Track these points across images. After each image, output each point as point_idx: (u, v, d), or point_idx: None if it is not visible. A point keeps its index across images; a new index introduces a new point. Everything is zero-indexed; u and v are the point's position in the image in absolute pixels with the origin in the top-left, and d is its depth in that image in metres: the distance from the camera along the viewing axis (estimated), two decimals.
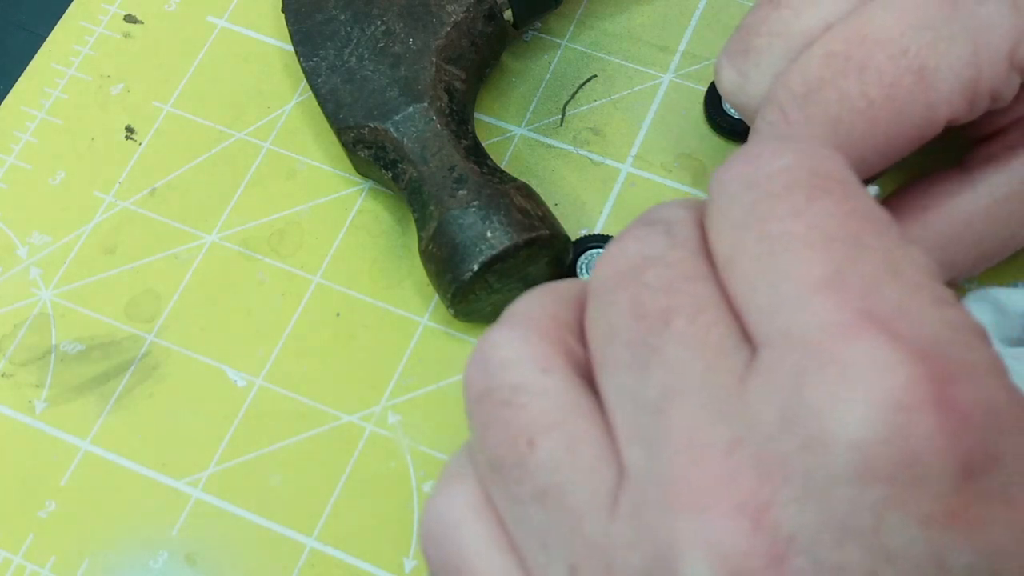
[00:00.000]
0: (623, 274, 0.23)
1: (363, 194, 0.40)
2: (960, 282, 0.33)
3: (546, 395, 0.23)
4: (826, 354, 0.20)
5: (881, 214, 0.22)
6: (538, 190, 0.37)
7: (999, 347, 0.34)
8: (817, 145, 0.24)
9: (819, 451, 0.19)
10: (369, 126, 0.37)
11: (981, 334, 0.21)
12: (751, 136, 0.31)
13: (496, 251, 0.34)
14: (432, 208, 0.35)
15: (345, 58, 0.38)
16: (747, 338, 0.21)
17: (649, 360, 0.22)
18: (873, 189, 0.30)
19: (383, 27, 0.38)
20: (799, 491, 0.19)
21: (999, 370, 0.20)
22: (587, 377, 0.24)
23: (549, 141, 0.40)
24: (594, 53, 0.42)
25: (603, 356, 0.23)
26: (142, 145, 0.41)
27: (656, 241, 0.23)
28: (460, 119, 0.37)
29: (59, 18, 0.43)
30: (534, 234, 0.35)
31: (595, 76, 0.41)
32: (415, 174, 0.36)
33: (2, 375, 0.38)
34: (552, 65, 0.42)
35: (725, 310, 0.22)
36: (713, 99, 0.40)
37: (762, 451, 0.20)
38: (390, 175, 0.37)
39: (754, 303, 0.21)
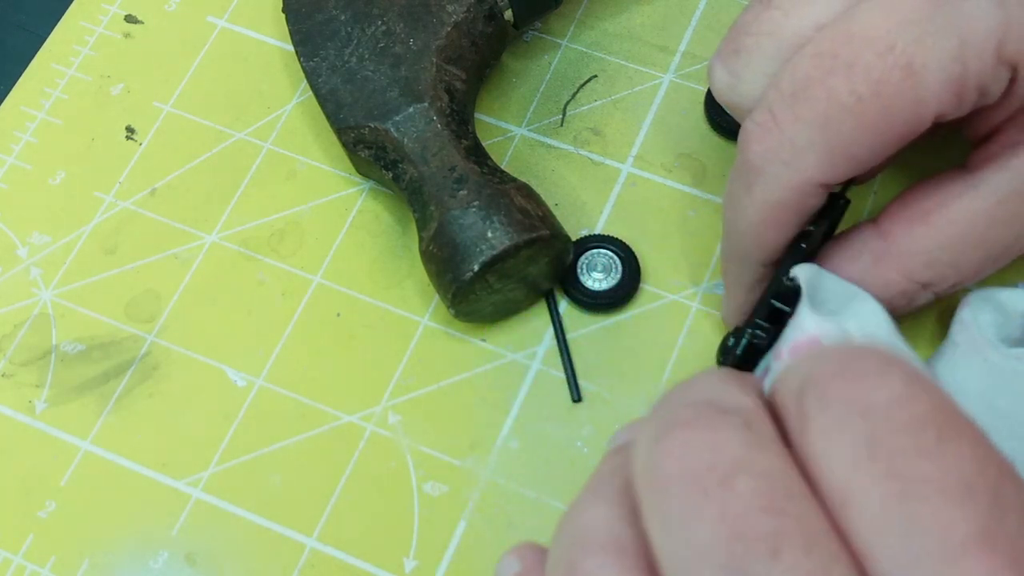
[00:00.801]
0: (703, 477, 0.20)
1: (363, 194, 0.40)
2: (968, 285, 0.34)
3: None
4: None
5: (1006, 459, 0.21)
6: (538, 190, 0.37)
7: (999, 347, 0.34)
8: (919, 374, 0.22)
9: None
10: (369, 126, 0.37)
11: None
12: (741, 137, 0.31)
13: (497, 251, 0.34)
14: (432, 208, 0.35)
15: (345, 58, 0.38)
16: None
17: None
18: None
19: (383, 27, 0.38)
20: None
21: None
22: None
23: (549, 141, 0.40)
24: (594, 53, 0.42)
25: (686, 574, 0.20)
26: (142, 145, 0.41)
27: (735, 438, 0.21)
28: (460, 119, 0.37)
29: (59, 18, 0.43)
30: (534, 234, 0.35)
31: (595, 76, 0.41)
32: (415, 174, 0.36)
33: (2, 375, 0.38)
34: (552, 65, 0.42)
35: (839, 545, 0.20)
36: (713, 99, 0.40)
37: None
38: (390, 175, 0.37)
39: (885, 550, 0.19)
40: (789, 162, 0.30)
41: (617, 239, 0.38)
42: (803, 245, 0.32)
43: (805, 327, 0.30)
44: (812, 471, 0.21)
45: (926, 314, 0.37)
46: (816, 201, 0.31)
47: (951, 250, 0.32)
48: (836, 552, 0.19)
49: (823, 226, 0.33)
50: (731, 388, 0.22)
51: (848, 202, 0.34)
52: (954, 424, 0.21)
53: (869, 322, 0.32)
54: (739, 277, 0.34)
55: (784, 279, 0.32)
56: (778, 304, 0.31)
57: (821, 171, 0.30)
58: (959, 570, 0.19)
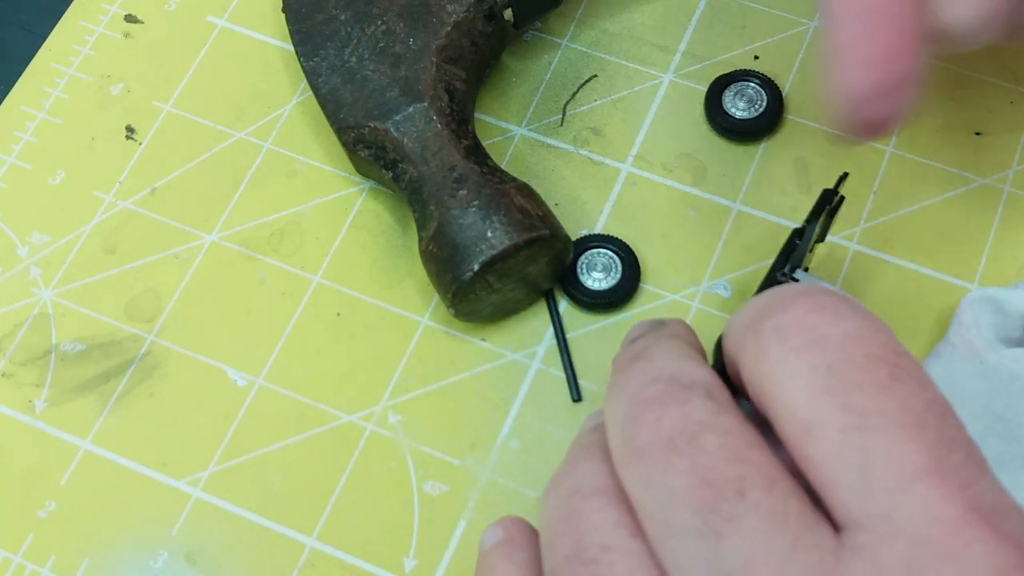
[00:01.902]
0: (674, 439, 0.22)
1: (363, 194, 0.40)
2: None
3: (629, 555, 0.23)
4: (942, 551, 0.20)
5: (949, 403, 0.22)
6: (538, 190, 0.38)
7: (999, 348, 0.34)
8: (871, 314, 0.23)
9: None
10: (369, 126, 0.37)
11: None
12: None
13: (496, 251, 0.34)
14: (432, 208, 0.35)
15: (345, 58, 0.38)
16: (823, 512, 0.21)
17: (723, 529, 0.21)
18: None
19: (383, 27, 0.38)
20: None
21: None
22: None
23: (549, 141, 0.40)
24: (594, 53, 0.42)
25: (664, 522, 0.22)
26: (142, 145, 0.41)
27: (700, 405, 0.23)
28: (460, 119, 0.37)
29: (59, 18, 0.43)
30: (534, 234, 0.35)
31: (595, 76, 0.41)
32: (415, 174, 0.36)
33: (2, 375, 0.38)
34: (552, 65, 0.42)
35: (795, 483, 0.22)
36: (713, 99, 0.40)
37: None
38: (390, 175, 0.37)
39: (843, 480, 0.21)
40: None
41: (617, 239, 0.38)
42: (797, 242, 0.32)
43: None
44: (772, 399, 0.23)
45: (925, 314, 0.37)
46: None
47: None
48: (793, 488, 0.21)
49: (818, 223, 0.33)
50: (689, 362, 0.24)
51: (843, 198, 0.34)
52: (904, 364, 0.22)
53: None
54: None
55: (779, 275, 0.32)
56: None
57: None
58: (913, 497, 0.20)
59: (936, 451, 0.21)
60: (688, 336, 0.27)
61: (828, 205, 0.33)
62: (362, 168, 0.39)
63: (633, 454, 0.23)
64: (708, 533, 0.21)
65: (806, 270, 0.35)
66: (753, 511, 0.21)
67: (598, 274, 0.37)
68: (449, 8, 0.38)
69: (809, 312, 0.23)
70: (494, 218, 0.34)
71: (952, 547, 0.20)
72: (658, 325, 0.27)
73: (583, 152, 0.40)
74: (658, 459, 0.22)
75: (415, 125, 0.36)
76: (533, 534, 0.27)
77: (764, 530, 0.21)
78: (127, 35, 0.43)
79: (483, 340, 0.37)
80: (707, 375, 0.24)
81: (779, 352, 0.23)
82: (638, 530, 0.23)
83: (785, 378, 0.22)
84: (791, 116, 0.40)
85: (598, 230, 0.39)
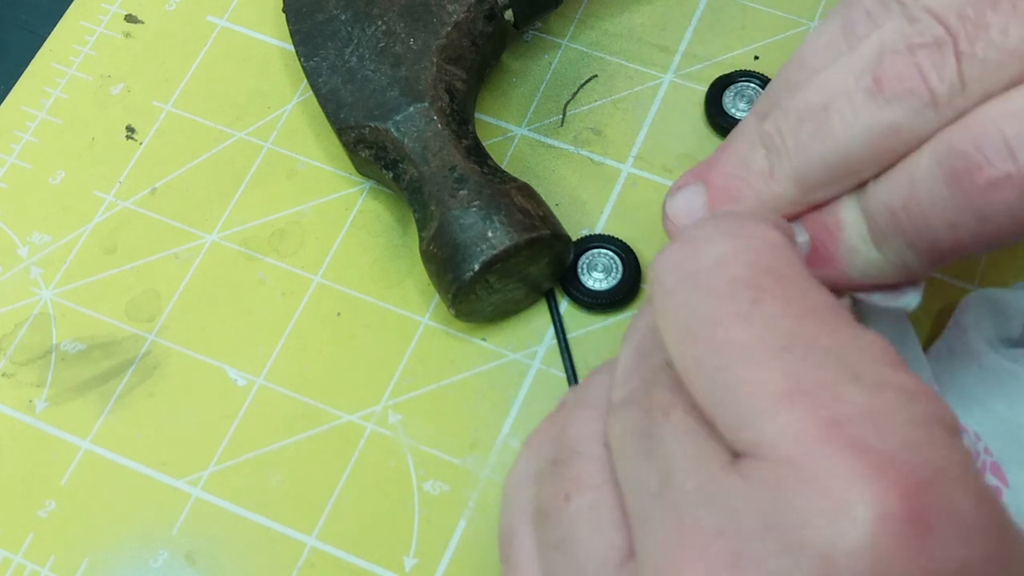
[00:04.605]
0: (632, 381, 0.26)
1: (364, 194, 0.40)
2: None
3: (594, 461, 0.26)
4: (802, 468, 0.21)
5: (829, 305, 0.23)
6: (539, 190, 0.38)
7: (999, 348, 0.34)
8: (754, 224, 0.24)
9: (794, 557, 0.20)
10: (370, 126, 0.37)
11: (945, 423, 0.22)
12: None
13: (497, 251, 0.34)
14: (433, 208, 0.35)
15: (346, 58, 0.38)
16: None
17: (653, 450, 0.24)
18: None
19: (384, 27, 0.38)
20: None
21: (963, 467, 0.21)
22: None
23: (550, 141, 0.40)
24: (595, 53, 0.42)
25: (619, 444, 0.25)
26: (142, 145, 0.41)
27: (663, 372, 0.25)
28: (461, 119, 0.37)
29: (59, 18, 0.43)
30: (535, 234, 0.35)
31: (596, 76, 0.41)
32: (416, 174, 0.36)
33: (3, 374, 0.38)
34: (553, 65, 0.42)
35: (687, 409, 0.24)
36: (713, 99, 0.40)
37: (743, 547, 0.21)
38: (391, 175, 0.37)
39: (719, 416, 0.22)
40: None
41: (618, 239, 0.38)
42: None
43: None
44: (662, 347, 0.24)
45: (924, 315, 0.37)
46: None
47: None
48: (690, 417, 0.23)
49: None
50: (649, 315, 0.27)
51: None
52: (768, 284, 0.23)
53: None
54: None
55: None
56: None
57: None
58: (775, 422, 0.21)
59: (798, 372, 0.21)
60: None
61: None
62: (362, 168, 0.39)
63: (614, 392, 0.26)
64: (643, 453, 0.24)
65: None
66: (672, 430, 0.23)
67: (599, 274, 0.37)
68: (449, 8, 0.38)
69: (681, 247, 0.24)
70: (495, 218, 0.34)
71: (811, 463, 0.20)
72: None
73: (583, 152, 0.40)
74: (621, 399, 0.26)
75: (415, 125, 0.36)
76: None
77: (675, 446, 0.23)
78: (127, 35, 0.43)
79: (484, 340, 0.37)
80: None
81: (658, 297, 0.24)
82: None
83: (661, 325, 0.24)
84: None
85: (599, 230, 0.39)
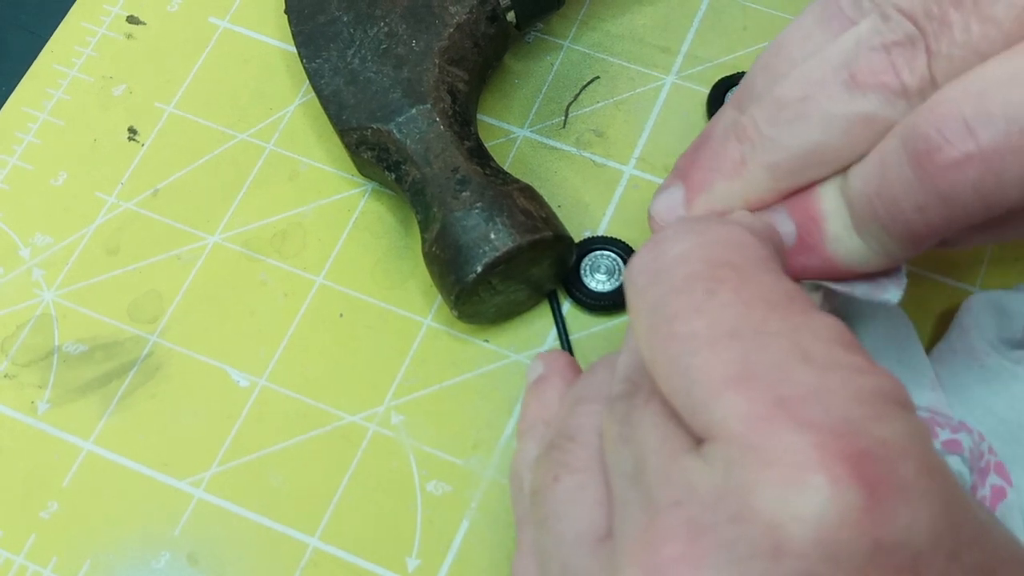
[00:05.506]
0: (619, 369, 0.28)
1: (366, 195, 0.40)
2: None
3: (586, 447, 0.28)
4: (749, 446, 0.22)
5: (784, 292, 0.24)
6: (541, 192, 0.38)
7: (1002, 349, 0.34)
8: (718, 222, 0.25)
9: (744, 525, 0.21)
10: (372, 128, 0.37)
11: (894, 398, 0.22)
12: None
13: (499, 253, 0.34)
14: (435, 210, 0.35)
15: (348, 60, 0.38)
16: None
17: (630, 436, 0.25)
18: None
19: (386, 28, 0.38)
20: (723, 558, 0.21)
21: (911, 439, 0.22)
22: None
23: (552, 143, 0.40)
24: (596, 54, 0.42)
25: (608, 433, 0.27)
26: (144, 146, 0.41)
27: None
28: (463, 120, 0.37)
29: (61, 19, 0.43)
30: (537, 236, 0.35)
31: (598, 77, 0.41)
32: (418, 176, 0.36)
33: (5, 376, 0.38)
34: (555, 66, 0.42)
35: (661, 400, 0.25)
36: (715, 101, 0.40)
37: (698, 516, 0.22)
38: (393, 177, 0.37)
39: (680, 404, 0.23)
40: None
41: (621, 241, 0.38)
42: None
43: None
44: (636, 345, 0.26)
45: (926, 315, 0.37)
46: None
47: None
48: (660, 407, 0.25)
49: None
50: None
51: None
52: (722, 275, 0.24)
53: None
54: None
55: None
56: None
57: None
58: (725, 406, 0.22)
59: (746, 356, 0.23)
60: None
61: None
62: (364, 169, 0.39)
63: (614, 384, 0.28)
64: (622, 440, 0.26)
65: None
66: (645, 418, 0.25)
67: (601, 276, 0.37)
68: (451, 10, 0.38)
69: (651, 248, 0.25)
70: (497, 220, 0.34)
71: (758, 440, 0.21)
72: None
73: (586, 154, 0.40)
74: (616, 392, 0.27)
75: (418, 127, 0.36)
76: (570, 368, 0.33)
77: (647, 434, 0.24)
78: (129, 36, 0.43)
79: (486, 341, 0.37)
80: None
81: (630, 297, 0.25)
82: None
83: (634, 323, 0.25)
84: None
85: (601, 232, 0.39)
